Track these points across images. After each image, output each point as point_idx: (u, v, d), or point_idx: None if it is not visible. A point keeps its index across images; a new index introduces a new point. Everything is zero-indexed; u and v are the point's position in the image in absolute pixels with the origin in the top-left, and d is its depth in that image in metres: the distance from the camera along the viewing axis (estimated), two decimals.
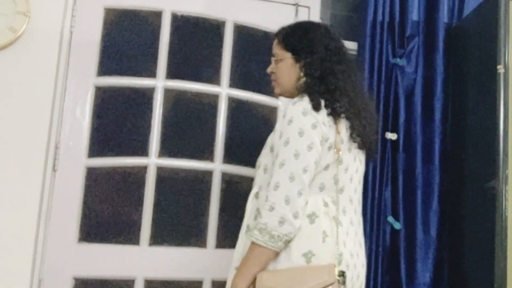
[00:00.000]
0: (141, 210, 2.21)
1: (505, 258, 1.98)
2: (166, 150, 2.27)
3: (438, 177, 2.40)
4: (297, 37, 1.67)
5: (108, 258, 2.17)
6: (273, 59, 1.72)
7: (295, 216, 1.46)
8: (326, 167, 1.54)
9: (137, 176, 2.24)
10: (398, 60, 2.44)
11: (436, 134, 2.42)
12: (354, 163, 1.62)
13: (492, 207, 2.04)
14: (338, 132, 1.56)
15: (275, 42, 1.72)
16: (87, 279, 2.16)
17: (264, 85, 2.37)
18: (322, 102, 1.55)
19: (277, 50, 1.70)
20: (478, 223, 2.16)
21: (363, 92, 1.71)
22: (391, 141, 2.41)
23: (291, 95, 1.70)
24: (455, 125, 2.43)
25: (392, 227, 2.38)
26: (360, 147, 1.64)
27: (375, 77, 2.41)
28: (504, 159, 2.04)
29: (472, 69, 2.34)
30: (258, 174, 1.65)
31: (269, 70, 1.74)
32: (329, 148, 1.54)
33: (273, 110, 2.41)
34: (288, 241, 1.48)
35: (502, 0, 2.13)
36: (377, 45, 2.42)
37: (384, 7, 2.45)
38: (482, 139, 2.18)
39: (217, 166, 2.30)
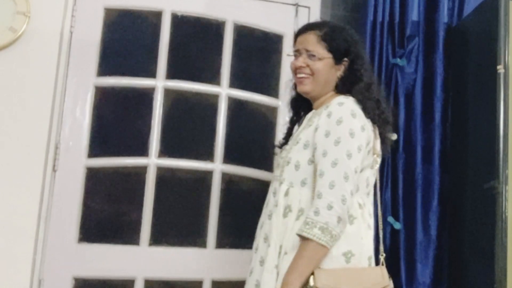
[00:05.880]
0: (141, 210, 2.21)
1: (505, 258, 1.98)
2: (166, 150, 2.27)
3: (438, 177, 2.40)
4: (341, 40, 1.64)
5: (108, 258, 2.17)
6: (307, 53, 1.64)
7: (347, 216, 1.47)
8: (362, 170, 1.55)
9: (137, 176, 2.24)
10: (398, 60, 2.44)
11: (436, 134, 2.42)
12: (377, 167, 1.65)
13: (492, 207, 2.03)
14: (376, 137, 1.59)
15: (313, 38, 1.64)
16: (87, 279, 2.16)
17: (264, 85, 2.38)
18: (367, 104, 1.58)
19: (318, 48, 1.63)
20: (478, 223, 2.16)
21: (379, 87, 1.75)
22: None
23: (318, 95, 1.66)
24: (455, 125, 2.42)
25: (392, 227, 2.38)
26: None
27: (375, 77, 2.40)
28: (504, 159, 2.03)
29: (472, 69, 2.34)
30: (288, 170, 1.59)
31: (301, 63, 1.64)
32: (369, 151, 1.56)
33: (273, 110, 2.41)
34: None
35: (502, 0, 2.13)
36: (377, 45, 2.42)
37: (384, 7, 2.44)
38: (482, 139, 2.18)
39: (217, 166, 2.30)
